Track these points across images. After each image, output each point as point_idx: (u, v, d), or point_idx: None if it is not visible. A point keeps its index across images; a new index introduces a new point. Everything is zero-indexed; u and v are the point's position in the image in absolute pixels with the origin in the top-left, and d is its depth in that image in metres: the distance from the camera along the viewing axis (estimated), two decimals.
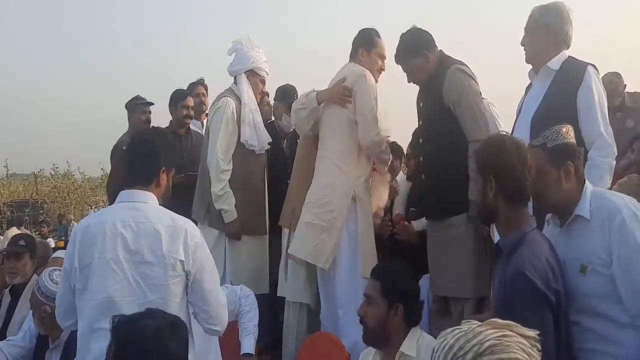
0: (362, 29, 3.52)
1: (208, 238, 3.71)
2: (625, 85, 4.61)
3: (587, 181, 2.11)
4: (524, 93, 2.99)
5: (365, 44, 3.45)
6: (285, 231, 3.73)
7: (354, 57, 3.48)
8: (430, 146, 3.21)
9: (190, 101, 4.56)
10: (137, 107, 4.80)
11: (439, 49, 3.21)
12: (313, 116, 3.48)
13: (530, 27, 2.83)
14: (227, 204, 3.65)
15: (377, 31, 3.52)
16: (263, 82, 3.95)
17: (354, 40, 3.51)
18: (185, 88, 4.99)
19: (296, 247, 3.42)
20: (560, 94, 2.68)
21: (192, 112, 4.58)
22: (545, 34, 2.77)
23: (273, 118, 4.56)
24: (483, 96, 3.16)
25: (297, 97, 4.55)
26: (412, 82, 3.27)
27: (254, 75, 3.86)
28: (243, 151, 3.76)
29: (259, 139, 3.80)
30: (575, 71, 2.70)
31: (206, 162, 3.73)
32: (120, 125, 5.06)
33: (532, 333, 1.12)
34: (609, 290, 1.99)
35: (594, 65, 2.73)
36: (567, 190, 2.08)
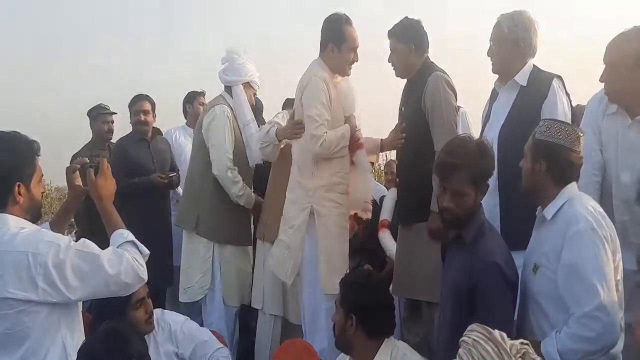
0: (330, 17, 3.28)
1: (197, 247, 3.73)
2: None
3: (570, 185, 2.12)
4: (488, 100, 3.03)
5: (335, 38, 3.24)
6: (259, 242, 3.71)
7: (323, 50, 3.29)
8: (407, 150, 3.22)
9: (143, 106, 4.38)
10: (100, 116, 4.68)
11: (427, 55, 3.21)
12: (277, 148, 3.55)
13: (498, 39, 2.83)
14: (247, 203, 3.74)
15: (347, 18, 3.27)
16: (255, 95, 3.93)
17: (322, 29, 3.30)
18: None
19: (273, 262, 3.41)
20: (525, 108, 2.71)
21: (143, 118, 4.40)
22: (513, 47, 2.78)
23: None
24: (459, 104, 3.18)
25: (261, 106, 4.48)
26: (390, 64, 3.25)
27: (249, 87, 3.83)
28: (235, 162, 3.71)
29: (253, 151, 3.76)
30: (540, 86, 2.73)
31: (200, 171, 3.72)
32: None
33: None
34: (553, 294, 2.03)
35: (559, 77, 2.78)
36: (535, 184, 2.14)
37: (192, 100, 5.01)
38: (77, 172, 2.23)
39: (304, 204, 3.24)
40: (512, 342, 1.41)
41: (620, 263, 2.06)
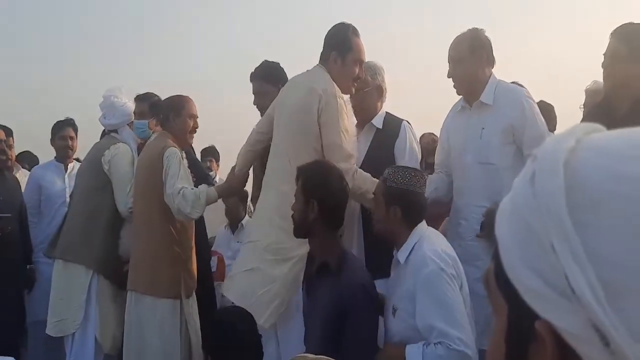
0: (336, 26, 2.95)
1: (72, 275, 3.41)
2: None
3: (420, 225, 2.24)
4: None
5: (340, 47, 2.87)
6: (130, 294, 3.23)
7: (325, 60, 2.90)
8: None
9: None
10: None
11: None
12: None
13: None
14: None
15: (354, 28, 2.92)
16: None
17: (326, 39, 2.95)
18: None
19: (229, 288, 2.89)
20: (380, 147, 3.07)
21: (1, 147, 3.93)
22: (376, 93, 3.14)
23: None
24: None
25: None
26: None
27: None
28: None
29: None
30: (393, 127, 3.11)
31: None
32: None
33: None
34: (409, 335, 2.12)
35: (407, 122, 3.18)
36: (389, 229, 2.26)
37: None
38: None
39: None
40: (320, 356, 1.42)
41: (467, 297, 2.19)
